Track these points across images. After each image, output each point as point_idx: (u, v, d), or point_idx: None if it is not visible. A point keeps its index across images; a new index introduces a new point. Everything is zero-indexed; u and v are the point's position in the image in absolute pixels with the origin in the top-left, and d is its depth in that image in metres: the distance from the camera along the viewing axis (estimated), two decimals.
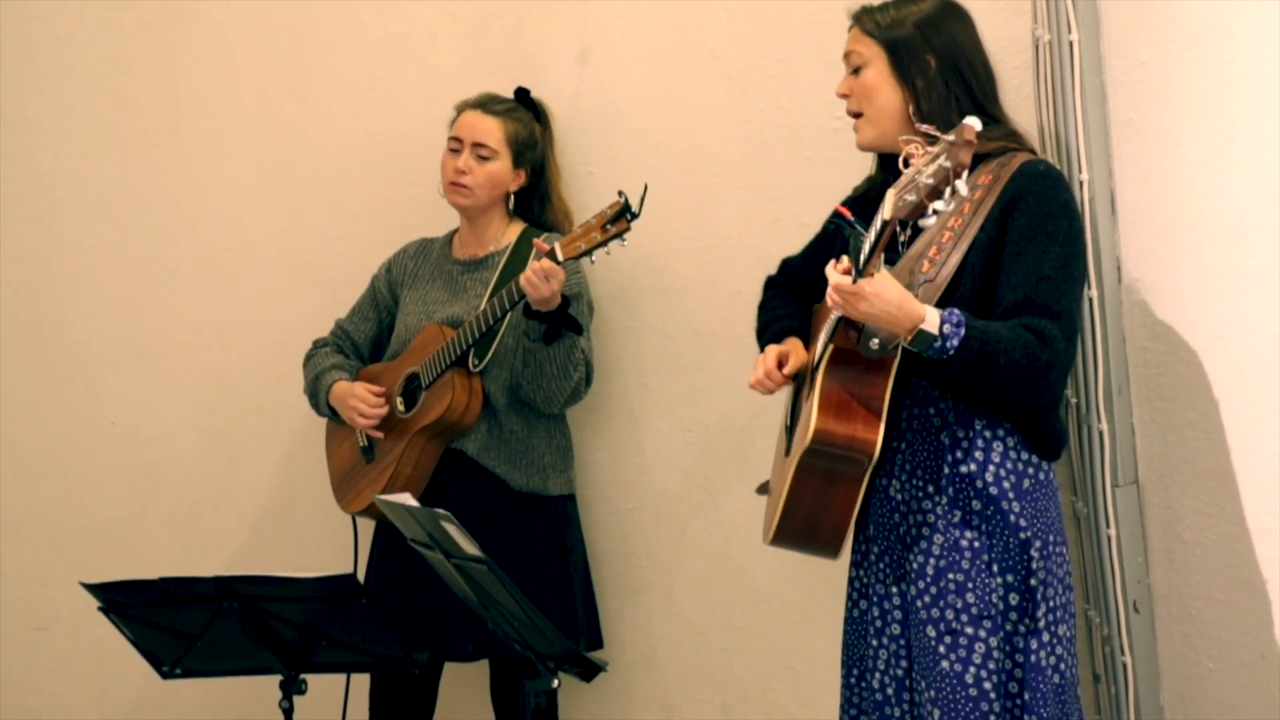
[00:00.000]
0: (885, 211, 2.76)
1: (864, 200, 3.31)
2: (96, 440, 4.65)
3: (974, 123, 2.67)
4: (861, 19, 3.20)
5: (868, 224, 3.15)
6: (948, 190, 2.66)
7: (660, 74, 4.05)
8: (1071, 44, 3.32)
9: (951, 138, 2.67)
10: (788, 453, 3.25)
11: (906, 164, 2.77)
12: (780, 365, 3.26)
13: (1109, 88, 3.35)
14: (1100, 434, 3.33)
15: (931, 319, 2.89)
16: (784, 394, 3.37)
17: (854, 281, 2.86)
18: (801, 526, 3.18)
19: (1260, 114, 3.12)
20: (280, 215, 4.49)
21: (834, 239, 3.37)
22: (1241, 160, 3.16)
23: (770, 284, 3.55)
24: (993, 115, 3.14)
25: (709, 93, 3.99)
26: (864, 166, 3.33)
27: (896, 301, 2.88)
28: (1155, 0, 3.27)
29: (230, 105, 4.51)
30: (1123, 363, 3.35)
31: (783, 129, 3.90)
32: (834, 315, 3.05)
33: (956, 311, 2.92)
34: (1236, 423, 3.22)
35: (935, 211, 2.68)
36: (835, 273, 2.93)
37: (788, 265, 3.53)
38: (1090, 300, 3.30)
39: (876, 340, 2.95)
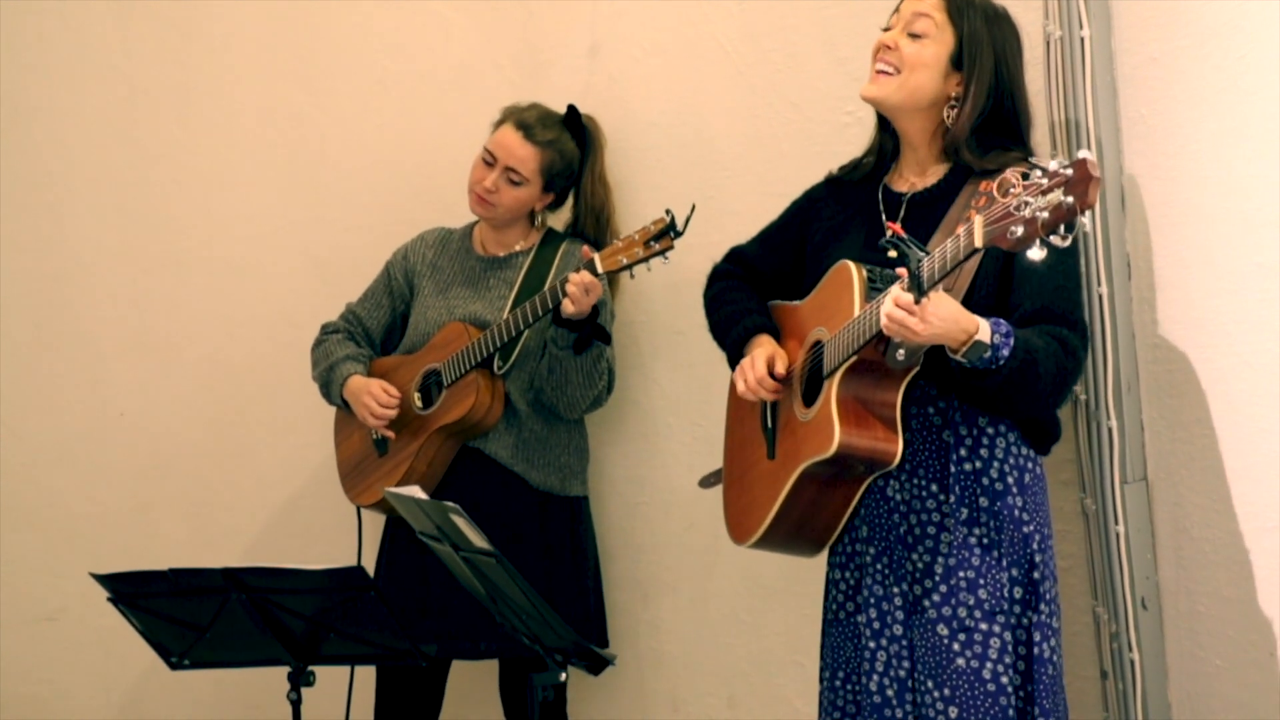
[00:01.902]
0: (976, 240, 2.71)
1: (851, 185, 3.29)
2: (105, 431, 4.66)
3: (1090, 155, 2.61)
4: None
5: (859, 212, 3.14)
6: (1062, 227, 2.61)
7: (670, 68, 4.04)
8: (1083, 40, 3.32)
9: (1070, 172, 2.61)
10: (772, 455, 3.23)
11: (1003, 191, 2.70)
12: (769, 369, 3.23)
13: (1120, 83, 3.35)
14: (1109, 431, 3.33)
15: (984, 329, 2.89)
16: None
17: (916, 302, 2.81)
18: (790, 530, 3.18)
19: (1270, 111, 3.11)
20: (289, 207, 4.49)
21: (800, 231, 3.34)
22: (1251, 156, 3.15)
23: (720, 274, 3.49)
24: (1026, 144, 3.15)
25: (719, 87, 3.99)
26: None
27: (952, 316, 2.87)
28: None
29: (240, 97, 4.51)
30: (1132, 359, 3.35)
31: (792, 124, 3.90)
32: (850, 330, 3.01)
33: (1002, 321, 2.92)
34: (1245, 419, 3.21)
35: (1045, 244, 2.63)
36: (893, 294, 2.86)
37: (740, 255, 3.47)
38: (1100, 297, 3.30)
39: (903, 351, 2.93)
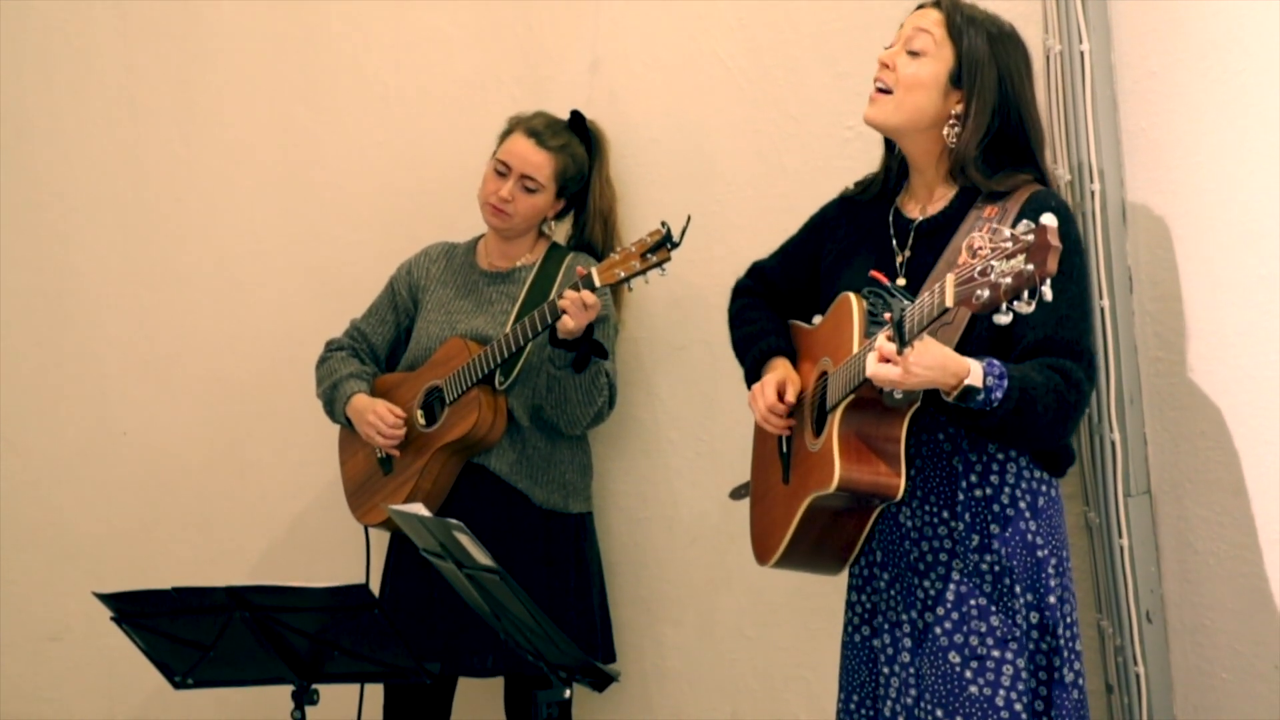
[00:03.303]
0: (947, 299, 2.70)
1: (863, 205, 3.28)
2: (108, 449, 4.66)
3: (1051, 222, 2.59)
4: (950, 11, 3.08)
5: (864, 246, 3.13)
6: (1025, 293, 2.60)
7: (671, 83, 4.05)
8: (1083, 54, 3.32)
9: (1031, 238, 2.59)
10: (786, 480, 3.23)
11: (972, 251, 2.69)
12: (780, 395, 3.21)
13: (1120, 97, 3.35)
14: (1112, 444, 3.33)
15: (976, 373, 2.85)
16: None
17: (899, 352, 2.79)
18: (807, 552, 3.17)
19: (1270, 123, 3.11)
20: (292, 224, 4.49)
21: (815, 249, 3.33)
22: (1252, 169, 3.15)
23: (742, 290, 3.47)
24: (1038, 165, 3.11)
25: (720, 102, 4.00)
26: None
27: (939, 363, 2.84)
28: (1166, 10, 3.26)
29: (242, 114, 4.52)
30: (1134, 372, 3.35)
31: (794, 138, 3.90)
32: (848, 369, 3.00)
33: (995, 362, 2.89)
34: (1248, 432, 3.21)
35: (1011, 310, 2.62)
36: (879, 344, 2.84)
37: (761, 271, 3.45)
38: (1102, 310, 3.30)
39: (900, 391, 2.93)
